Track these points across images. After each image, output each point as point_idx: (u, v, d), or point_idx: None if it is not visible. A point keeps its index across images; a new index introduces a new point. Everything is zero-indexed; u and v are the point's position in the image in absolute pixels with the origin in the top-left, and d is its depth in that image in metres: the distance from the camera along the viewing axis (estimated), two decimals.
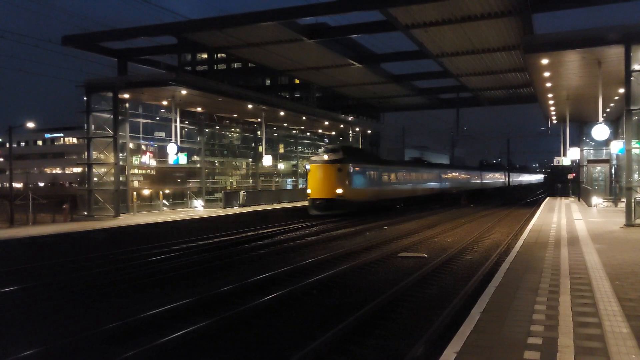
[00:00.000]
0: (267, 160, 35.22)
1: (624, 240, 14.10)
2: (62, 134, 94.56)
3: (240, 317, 9.47)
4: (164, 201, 32.20)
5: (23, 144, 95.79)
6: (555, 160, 36.51)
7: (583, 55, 19.08)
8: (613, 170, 32.23)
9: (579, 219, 21.15)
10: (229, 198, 32.76)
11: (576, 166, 38.78)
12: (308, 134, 50.88)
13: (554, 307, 6.95)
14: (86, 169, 28.57)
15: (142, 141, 31.97)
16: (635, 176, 21.03)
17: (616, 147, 21.86)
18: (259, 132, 39.28)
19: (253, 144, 42.64)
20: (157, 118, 34.28)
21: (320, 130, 49.36)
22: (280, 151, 47.32)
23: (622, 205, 23.41)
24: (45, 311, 10.27)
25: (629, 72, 17.50)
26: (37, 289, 12.01)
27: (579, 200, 36.32)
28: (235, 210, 30.46)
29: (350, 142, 49.35)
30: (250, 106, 33.37)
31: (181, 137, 31.37)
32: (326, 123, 43.20)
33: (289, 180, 49.70)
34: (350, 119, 48.82)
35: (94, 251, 17.60)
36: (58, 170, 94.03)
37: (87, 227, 22.19)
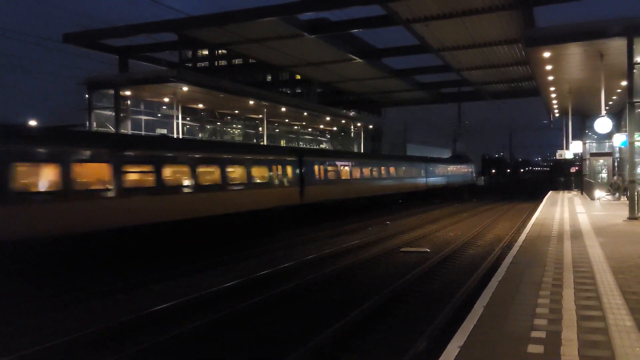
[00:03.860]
0: None
1: (628, 233, 14.05)
2: None
3: (242, 314, 9.48)
4: None
5: None
6: (557, 154, 36.39)
7: (585, 48, 18.98)
8: (616, 164, 32.11)
9: (582, 212, 21.09)
10: None
11: (579, 159, 38.64)
12: (309, 129, 50.84)
13: (558, 301, 6.92)
14: None
15: None
16: (639, 169, 20.93)
17: (619, 140, 21.78)
18: (260, 128, 39.27)
19: (255, 140, 42.63)
20: (159, 115, 34.26)
21: (321, 126, 49.32)
22: None
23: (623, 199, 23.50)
24: None
25: (631, 64, 17.41)
26: None
27: (581, 193, 36.23)
28: None
29: None
30: (251, 102, 33.34)
31: (183, 133, 31.35)
32: (327, 119, 43.19)
33: None
34: (351, 114, 48.76)
35: None
36: None
37: None
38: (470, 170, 57.38)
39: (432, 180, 43.90)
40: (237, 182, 19.62)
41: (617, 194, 27.10)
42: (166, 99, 31.27)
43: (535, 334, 5.60)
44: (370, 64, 38.34)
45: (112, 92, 27.89)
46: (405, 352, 7.17)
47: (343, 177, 28.34)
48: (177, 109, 29.48)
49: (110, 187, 14.12)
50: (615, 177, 29.21)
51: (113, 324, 8.80)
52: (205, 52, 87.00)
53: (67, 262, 13.15)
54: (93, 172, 14.19)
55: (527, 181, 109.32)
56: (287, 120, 44.25)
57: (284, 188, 22.77)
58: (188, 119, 34.94)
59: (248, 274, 12.81)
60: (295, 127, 47.79)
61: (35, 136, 13.23)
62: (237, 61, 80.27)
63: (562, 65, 21.68)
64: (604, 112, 21.18)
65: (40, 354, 7.47)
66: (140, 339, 8.29)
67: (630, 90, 17.69)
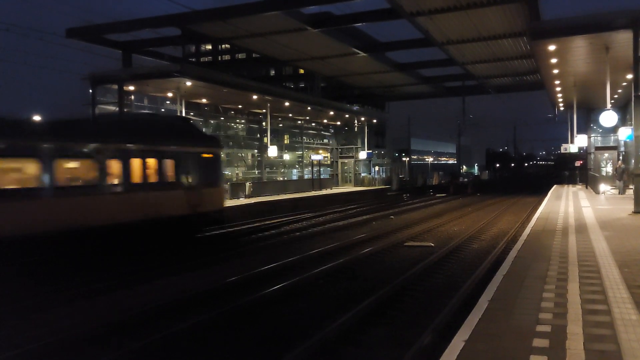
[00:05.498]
0: (272, 151, 35.21)
1: (633, 227, 14.00)
2: None
3: (247, 308, 9.49)
4: None
5: None
6: (562, 148, 36.21)
7: (590, 41, 18.87)
8: (621, 157, 31.96)
9: (587, 206, 21.03)
10: (235, 189, 32.78)
11: (584, 153, 38.48)
12: (313, 124, 50.79)
13: (563, 295, 6.91)
14: None
15: None
16: None
17: (624, 133, 21.64)
18: (264, 123, 39.24)
19: (258, 135, 42.62)
20: (163, 110, 34.27)
21: (325, 121, 49.26)
22: (285, 142, 47.27)
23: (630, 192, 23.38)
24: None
25: (637, 57, 17.27)
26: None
27: (586, 187, 36.13)
28: (242, 201, 30.51)
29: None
30: (255, 97, 33.28)
31: None
32: (331, 113, 43.10)
33: (295, 170, 49.72)
34: (355, 108, 48.66)
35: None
36: None
37: None
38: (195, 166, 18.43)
39: None
40: None
41: (622, 182, 26.90)
42: (170, 94, 31.24)
43: (540, 327, 5.59)
44: (374, 57, 38.20)
45: (115, 87, 27.87)
46: (410, 346, 7.17)
47: None
48: (181, 104, 29.46)
49: None
50: (620, 162, 29.14)
51: (117, 318, 8.83)
52: (209, 47, 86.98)
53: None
54: None
55: (531, 175, 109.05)
56: (290, 115, 44.19)
57: None
58: (192, 113, 34.91)
59: (252, 268, 12.81)
60: (299, 122, 47.70)
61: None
62: (240, 56, 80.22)
63: (567, 59, 21.57)
64: (609, 105, 21.07)
65: (46, 348, 7.50)
66: (144, 333, 8.30)
67: (635, 83, 17.57)
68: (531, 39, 19.50)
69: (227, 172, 40.70)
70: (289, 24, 28.52)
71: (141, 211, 15.91)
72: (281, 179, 45.64)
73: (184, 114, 29.76)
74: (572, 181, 48.34)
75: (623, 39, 17.83)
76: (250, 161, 44.24)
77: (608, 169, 34.57)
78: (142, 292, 11.11)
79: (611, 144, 35.82)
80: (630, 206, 18.10)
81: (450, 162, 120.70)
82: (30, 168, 13.42)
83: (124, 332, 8.33)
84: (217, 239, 19.05)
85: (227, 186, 34.02)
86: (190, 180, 17.92)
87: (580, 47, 19.88)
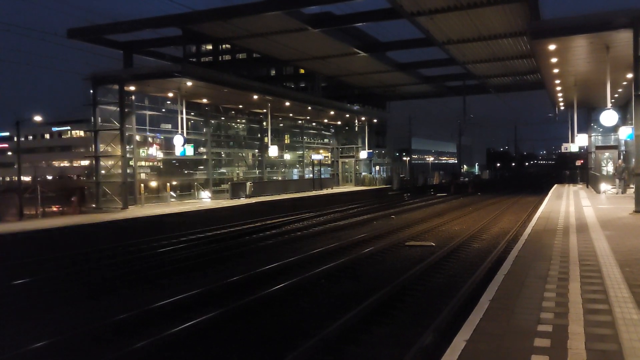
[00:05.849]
0: (273, 150, 35.21)
1: (634, 226, 13.99)
2: (69, 127, 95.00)
3: (248, 307, 9.51)
4: (172, 193, 32.32)
5: (31, 137, 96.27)
6: (563, 147, 36.22)
7: (591, 40, 18.86)
8: (621, 156, 31.96)
9: (588, 205, 21.02)
10: (236, 189, 32.83)
11: (584, 153, 38.46)
12: (314, 124, 50.79)
13: (564, 295, 6.91)
14: (94, 161, 28.67)
15: (148, 133, 32.02)
16: None
17: (624, 132, 21.64)
18: (264, 123, 39.24)
19: (259, 135, 42.61)
20: (163, 110, 34.27)
21: (326, 120, 49.26)
22: (286, 142, 47.27)
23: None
24: (56, 303, 10.36)
25: (637, 56, 17.26)
26: (48, 281, 12.11)
27: (587, 187, 36.12)
28: (243, 201, 30.54)
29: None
30: (255, 97, 33.27)
31: (187, 128, 31.35)
32: (332, 113, 43.09)
33: (295, 170, 49.73)
34: (355, 108, 48.64)
35: (103, 243, 17.71)
36: (66, 164, 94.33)
37: (96, 219, 22.26)
38: None
39: None
40: None
41: (623, 181, 26.90)
42: (170, 94, 31.23)
43: (541, 327, 5.60)
44: (375, 57, 38.18)
45: (116, 87, 27.87)
46: (411, 346, 7.19)
47: None
48: (182, 104, 29.45)
49: None
50: (620, 160, 29.18)
51: (118, 318, 8.85)
52: (209, 47, 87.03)
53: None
54: None
55: (532, 175, 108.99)
56: (291, 115, 44.17)
57: None
58: (192, 113, 34.92)
59: (255, 268, 12.83)
60: (300, 122, 47.68)
61: None
62: (241, 56, 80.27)
63: (568, 58, 21.57)
64: (609, 104, 21.06)
65: (48, 348, 7.52)
66: (147, 332, 8.33)
67: (636, 83, 17.56)
68: (531, 39, 19.49)
69: (227, 171, 40.78)
70: (290, 24, 28.53)
71: None
72: (282, 178, 45.65)
73: (184, 114, 29.75)
74: (572, 180, 48.30)
75: (623, 38, 17.82)
76: (251, 161, 44.23)
77: (609, 168, 34.56)
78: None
79: (612, 143, 35.82)
80: (631, 205, 18.09)
81: (451, 161, 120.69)
82: None
83: None
84: (220, 239, 19.09)
85: (228, 186, 34.12)
86: None
87: (580, 46, 19.88)
